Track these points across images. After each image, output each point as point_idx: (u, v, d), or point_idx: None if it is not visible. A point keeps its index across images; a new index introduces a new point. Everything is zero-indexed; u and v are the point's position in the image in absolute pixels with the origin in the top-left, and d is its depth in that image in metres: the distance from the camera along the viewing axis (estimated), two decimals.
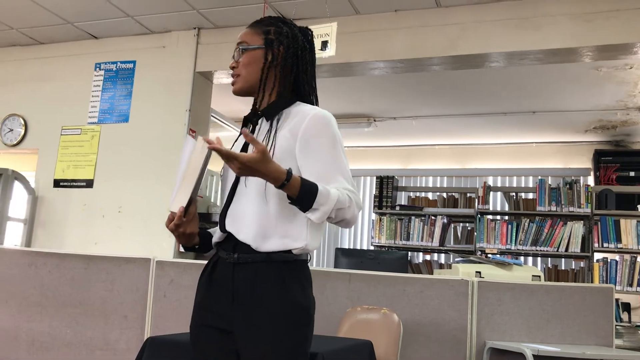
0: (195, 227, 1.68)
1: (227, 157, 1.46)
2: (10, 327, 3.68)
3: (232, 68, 1.78)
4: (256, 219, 1.64)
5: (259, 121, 1.76)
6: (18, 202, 5.17)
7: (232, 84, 1.79)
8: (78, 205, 5.02)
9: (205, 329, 1.69)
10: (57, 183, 5.14)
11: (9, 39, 5.44)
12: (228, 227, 1.69)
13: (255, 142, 1.46)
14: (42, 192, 5.18)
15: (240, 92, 1.78)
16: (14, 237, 5.21)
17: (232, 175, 1.73)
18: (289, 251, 1.64)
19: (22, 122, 5.39)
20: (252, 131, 1.77)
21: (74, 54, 5.36)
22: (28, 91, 5.47)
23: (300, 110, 1.71)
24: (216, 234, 1.76)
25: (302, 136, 1.65)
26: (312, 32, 1.84)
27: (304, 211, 1.55)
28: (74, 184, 5.08)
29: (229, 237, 1.70)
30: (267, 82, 1.73)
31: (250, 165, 1.46)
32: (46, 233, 5.08)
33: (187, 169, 1.60)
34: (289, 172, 1.50)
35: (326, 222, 1.62)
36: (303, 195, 1.52)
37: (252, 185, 1.66)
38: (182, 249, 1.84)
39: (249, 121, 1.80)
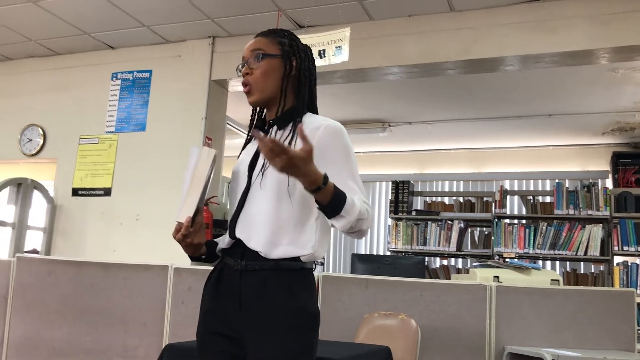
0: (202, 237, 1.68)
1: (277, 150, 1.40)
2: (31, 335, 3.72)
3: (245, 75, 1.75)
4: (267, 226, 1.64)
5: (270, 130, 1.76)
6: (37, 211, 5.23)
7: (247, 92, 1.75)
8: (96, 214, 5.06)
9: (212, 336, 1.69)
10: (76, 192, 5.20)
11: (28, 50, 5.52)
12: (238, 234, 1.68)
13: (306, 139, 1.44)
14: (61, 200, 5.24)
15: (258, 103, 1.76)
16: (33, 246, 5.28)
17: (242, 182, 1.73)
18: (297, 258, 1.64)
19: (41, 132, 5.46)
20: None
21: (91, 64, 5.43)
22: (46, 101, 5.54)
23: (313, 121, 1.72)
24: (223, 241, 1.76)
25: (316, 146, 1.62)
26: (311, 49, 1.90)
27: (331, 217, 1.56)
28: (92, 192, 5.13)
29: (236, 244, 1.70)
30: (287, 92, 1.75)
31: (296, 162, 1.42)
32: (65, 241, 5.14)
33: (192, 179, 1.62)
34: (325, 177, 1.49)
35: (332, 229, 1.65)
36: (334, 201, 1.52)
37: (266, 191, 1.66)
38: (189, 260, 1.80)
39: (260, 129, 1.78)
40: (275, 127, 1.75)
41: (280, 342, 1.59)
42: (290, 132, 1.71)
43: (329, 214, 1.55)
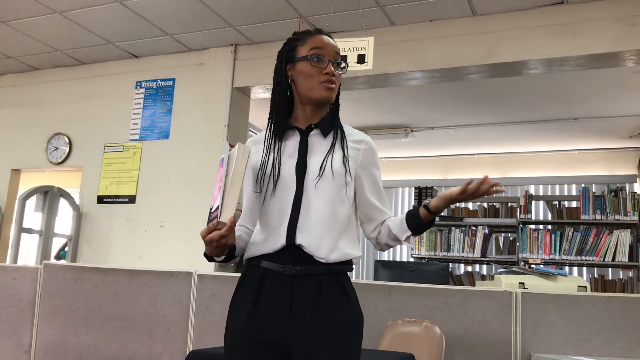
0: (234, 238, 1.64)
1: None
2: (58, 341, 3.77)
3: (333, 75, 1.73)
4: (329, 231, 1.66)
5: (310, 133, 1.76)
6: (64, 218, 5.31)
7: (330, 89, 1.73)
8: (121, 221, 5.12)
9: (256, 346, 1.62)
10: (101, 199, 5.26)
11: (53, 60, 5.61)
12: (300, 240, 1.65)
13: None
14: (87, 208, 5.30)
15: (329, 103, 1.77)
16: (61, 244, 5.34)
17: (289, 186, 1.69)
18: (350, 261, 1.70)
19: (67, 140, 5.54)
20: (302, 143, 1.74)
21: (115, 73, 5.50)
22: (72, 110, 5.63)
23: (352, 132, 1.80)
24: (264, 246, 1.69)
25: (362, 160, 1.77)
26: None
27: (415, 235, 1.75)
28: (117, 200, 5.19)
29: (285, 250, 1.65)
30: (335, 102, 1.80)
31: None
32: (91, 248, 5.20)
33: (230, 177, 1.57)
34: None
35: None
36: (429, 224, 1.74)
37: (324, 194, 1.67)
38: (216, 260, 1.76)
39: (298, 130, 1.76)
40: (318, 130, 1.75)
41: (341, 347, 1.61)
42: (332, 137, 1.74)
43: (417, 233, 1.76)
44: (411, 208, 1.74)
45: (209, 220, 1.62)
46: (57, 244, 5.24)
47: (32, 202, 5.11)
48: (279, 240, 1.66)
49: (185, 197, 4.89)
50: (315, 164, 1.69)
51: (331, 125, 1.76)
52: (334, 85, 1.74)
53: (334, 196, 1.68)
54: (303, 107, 1.77)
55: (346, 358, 1.62)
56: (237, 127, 5.01)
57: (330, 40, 1.79)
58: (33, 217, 5.17)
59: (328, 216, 1.67)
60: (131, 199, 5.13)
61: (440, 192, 7.38)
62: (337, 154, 1.71)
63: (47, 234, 5.09)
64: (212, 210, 1.62)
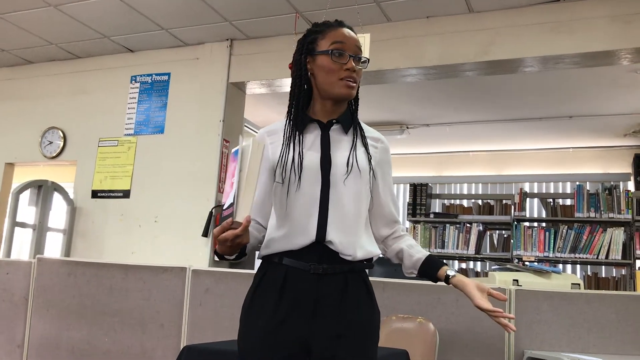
0: (249, 237, 1.54)
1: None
2: (51, 335, 3.76)
3: (352, 70, 1.69)
4: (357, 228, 1.66)
5: (331, 127, 1.73)
6: (57, 212, 5.29)
7: (351, 87, 1.70)
8: (115, 216, 5.11)
9: (276, 347, 1.57)
10: (95, 194, 5.24)
11: (48, 54, 5.59)
12: (331, 236, 1.60)
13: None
14: (81, 202, 5.29)
15: (349, 99, 1.74)
16: (54, 248, 5.34)
17: (314, 181, 1.64)
18: (371, 259, 1.70)
19: (61, 134, 5.52)
20: (323, 137, 1.70)
21: (110, 67, 5.48)
22: (66, 104, 5.61)
23: (369, 129, 1.80)
24: (287, 243, 1.63)
25: (380, 158, 1.78)
26: None
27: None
28: (111, 194, 5.17)
29: (310, 247, 1.60)
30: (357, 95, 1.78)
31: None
32: (85, 243, 5.18)
33: (245, 174, 1.50)
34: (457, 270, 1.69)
35: None
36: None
37: (350, 191, 1.65)
38: (216, 259, 1.69)
39: (318, 124, 1.72)
40: (339, 125, 1.73)
41: (367, 345, 1.62)
42: (353, 133, 1.73)
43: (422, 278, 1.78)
44: (434, 258, 1.71)
45: (222, 218, 1.55)
46: (50, 239, 5.22)
47: (25, 196, 5.09)
48: (307, 237, 1.61)
49: (180, 192, 4.88)
50: (342, 159, 1.66)
51: (351, 121, 1.75)
52: (354, 83, 1.70)
53: (360, 193, 1.67)
54: (322, 101, 1.72)
55: (369, 356, 1.62)
56: (232, 123, 5.00)
57: (352, 33, 1.73)
58: (27, 211, 5.16)
59: (355, 213, 1.66)
60: (125, 194, 5.11)
61: (435, 189, 7.42)
62: (360, 150, 1.70)
63: (40, 228, 5.07)
64: (225, 208, 1.56)
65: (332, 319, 1.58)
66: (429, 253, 1.75)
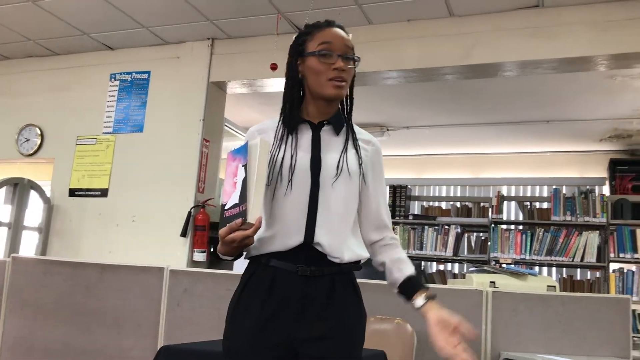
0: (253, 238, 1.54)
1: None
2: (25, 335, 3.71)
3: (341, 70, 1.67)
4: (345, 230, 1.66)
5: (323, 128, 1.72)
6: (34, 211, 5.22)
7: (339, 87, 1.67)
8: (93, 215, 5.05)
9: (262, 348, 1.57)
10: (73, 192, 5.18)
11: (26, 50, 5.51)
12: (319, 238, 1.60)
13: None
14: (58, 201, 5.22)
15: (338, 99, 1.72)
16: (29, 246, 5.26)
17: (303, 181, 1.63)
18: (358, 261, 1.69)
19: (39, 132, 5.45)
20: (314, 138, 1.70)
21: (89, 64, 5.42)
22: (44, 101, 5.53)
23: (360, 131, 1.78)
24: (275, 244, 1.62)
25: (371, 160, 1.76)
26: None
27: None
28: (89, 193, 5.12)
29: (298, 249, 1.60)
30: (347, 97, 1.77)
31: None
32: (61, 242, 5.12)
33: (253, 175, 1.48)
34: (433, 295, 1.65)
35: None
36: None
37: (339, 194, 1.64)
38: (224, 259, 1.66)
39: (309, 125, 1.72)
40: (330, 126, 1.72)
41: (353, 346, 1.62)
42: (345, 134, 1.72)
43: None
44: (412, 281, 1.66)
45: (225, 219, 1.53)
46: (26, 237, 5.15)
47: (1, 194, 5.01)
48: (295, 238, 1.60)
49: (159, 191, 4.84)
50: (331, 161, 1.66)
51: (343, 122, 1.74)
52: (343, 82, 1.67)
53: (349, 195, 1.67)
54: (314, 102, 1.72)
55: (355, 358, 1.63)
56: (212, 122, 4.98)
57: (340, 32, 1.73)
58: (2, 209, 5.08)
59: (344, 215, 1.66)
60: (103, 193, 5.06)
61: (414, 191, 7.46)
62: (351, 152, 1.69)
63: (16, 227, 5.00)
64: (228, 208, 1.53)
65: (319, 320, 1.58)
66: (409, 274, 1.68)
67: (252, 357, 1.58)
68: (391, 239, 1.77)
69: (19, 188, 5.04)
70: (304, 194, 1.63)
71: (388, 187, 7.23)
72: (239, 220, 1.47)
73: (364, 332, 1.69)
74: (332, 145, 1.69)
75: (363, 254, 1.70)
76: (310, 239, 1.60)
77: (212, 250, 4.70)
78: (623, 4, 3.87)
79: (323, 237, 1.61)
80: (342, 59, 1.67)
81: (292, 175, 1.62)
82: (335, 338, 1.58)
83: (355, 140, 1.72)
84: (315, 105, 1.73)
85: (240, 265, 1.76)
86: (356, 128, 1.78)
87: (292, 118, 1.70)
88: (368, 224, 1.76)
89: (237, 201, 1.50)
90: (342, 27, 1.76)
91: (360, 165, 1.69)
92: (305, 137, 1.70)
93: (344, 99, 1.76)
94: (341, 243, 1.63)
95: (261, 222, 1.49)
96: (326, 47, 1.68)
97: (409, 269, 1.69)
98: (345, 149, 1.68)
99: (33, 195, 5.17)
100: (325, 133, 1.71)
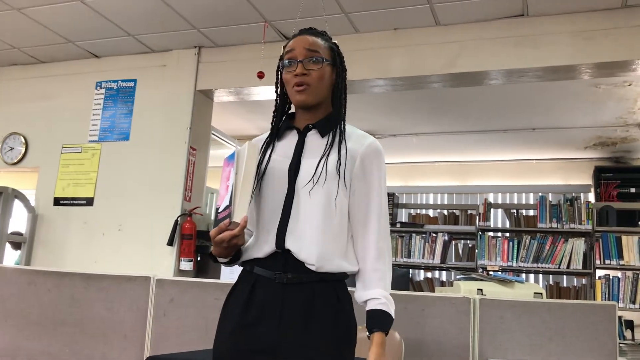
0: (244, 239, 1.58)
1: None
2: (8, 347, 3.65)
3: (302, 75, 1.66)
4: (321, 238, 1.58)
5: (308, 133, 1.72)
6: (18, 220, 5.16)
7: (301, 92, 1.67)
8: (78, 224, 5.01)
9: (242, 355, 1.57)
10: (57, 201, 5.13)
11: (11, 58, 5.47)
12: (289, 245, 1.58)
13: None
14: (42, 210, 5.17)
15: (309, 105, 1.70)
16: (13, 256, 5.20)
17: (280, 187, 1.64)
18: (344, 273, 1.63)
19: (23, 140, 5.40)
20: (298, 143, 1.70)
21: (75, 72, 5.39)
22: (29, 110, 5.49)
23: (354, 133, 1.74)
24: (256, 250, 1.63)
25: (360, 162, 1.68)
26: None
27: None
28: (74, 202, 5.07)
29: (276, 255, 1.60)
30: (335, 100, 1.75)
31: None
32: (46, 251, 5.07)
33: (240, 177, 1.53)
34: (386, 332, 1.65)
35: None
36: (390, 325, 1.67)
37: (315, 200, 1.60)
38: (219, 261, 1.67)
39: (296, 130, 1.73)
40: (315, 131, 1.71)
41: (328, 356, 1.57)
42: (330, 138, 1.68)
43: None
44: (368, 317, 1.66)
45: (217, 221, 1.56)
46: (10, 247, 5.10)
47: None
48: (269, 245, 1.60)
49: (145, 200, 4.81)
50: (308, 166, 1.62)
51: (331, 125, 1.70)
52: (303, 87, 1.66)
53: (326, 203, 1.60)
54: (296, 109, 1.76)
55: None
56: (199, 130, 4.96)
57: (303, 37, 1.73)
58: None
59: (319, 223, 1.59)
60: (89, 202, 5.02)
61: (402, 199, 7.47)
62: (332, 156, 1.64)
63: (0, 236, 4.94)
64: (221, 211, 1.58)
65: (297, 329, 1.55)
66: (368, 309, 1.65)
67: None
68: (370, 280, 1.65)
69: (3, 197, 4.98)
70: (280, 200, 1.63)
71: None
72: (227, 220, 1.52)
73: (350, 343, 1.64)
74: (314, 150, 1.67)
75: (348, 267, 1.63)
76: (281, 245, 1.59)
77: (199, 259, 4.67)
78: (606, 13, 3.92)
79: (293, 244, 1.58)
80: (304, 64, 1.67)
81: (269, 180, 1.65)
82: (315, 347, 1.55)
83: (341, 142, 1.67)
84: (298, 112, 1.76)
85: (228, 274, 1.77)
86: (352, 129, 1.75)
87: (279, 126, 1.75)
88: (356, 244, 1.68)
89: (227, 203, 1.54)
90: (309, 31, 1.77)
91: (338, 168, 1.62)
92: (290, 142, 1.71)
93: (334, 100, 1.75)
94: (316, 251, 1.57)
95: (247, 221, 1.51)
96: (289, 56, 1.70)
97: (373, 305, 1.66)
98: (327, 154, 1.64)
99: (17, 204, 5.11)
100: (310, 137, 1.71)
